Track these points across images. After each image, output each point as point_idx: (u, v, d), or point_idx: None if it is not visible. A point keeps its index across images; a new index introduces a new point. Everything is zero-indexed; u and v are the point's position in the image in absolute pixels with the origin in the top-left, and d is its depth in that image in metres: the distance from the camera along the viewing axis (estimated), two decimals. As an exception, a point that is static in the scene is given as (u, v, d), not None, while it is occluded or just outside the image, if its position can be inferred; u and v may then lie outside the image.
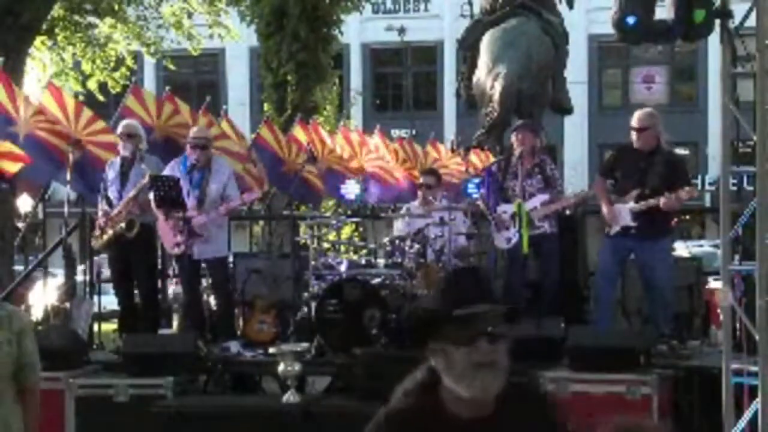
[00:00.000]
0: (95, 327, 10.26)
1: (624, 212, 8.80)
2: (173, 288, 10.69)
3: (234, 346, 9.19)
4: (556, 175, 9.62)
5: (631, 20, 6.91)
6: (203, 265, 9.58)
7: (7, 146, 9.43)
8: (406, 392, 2.91)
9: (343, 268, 9.39)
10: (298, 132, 13.46)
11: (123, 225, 9.33)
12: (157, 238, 9.76)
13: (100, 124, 10.39)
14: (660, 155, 8.84)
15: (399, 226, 10.10)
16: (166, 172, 9.41)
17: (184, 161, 9.45)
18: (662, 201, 8.60)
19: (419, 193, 10.56)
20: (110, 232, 9.45)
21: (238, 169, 11.15)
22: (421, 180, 10.76)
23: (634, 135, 8.81)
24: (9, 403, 4.59)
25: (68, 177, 9.76)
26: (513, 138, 9.63)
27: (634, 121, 8.84)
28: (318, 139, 13.54)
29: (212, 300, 9.86)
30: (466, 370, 2.71)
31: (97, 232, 9.62)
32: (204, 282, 9.94)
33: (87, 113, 10.37)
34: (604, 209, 8.89)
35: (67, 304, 9.83)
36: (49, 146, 9.87)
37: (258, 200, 12.21)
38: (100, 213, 9.64)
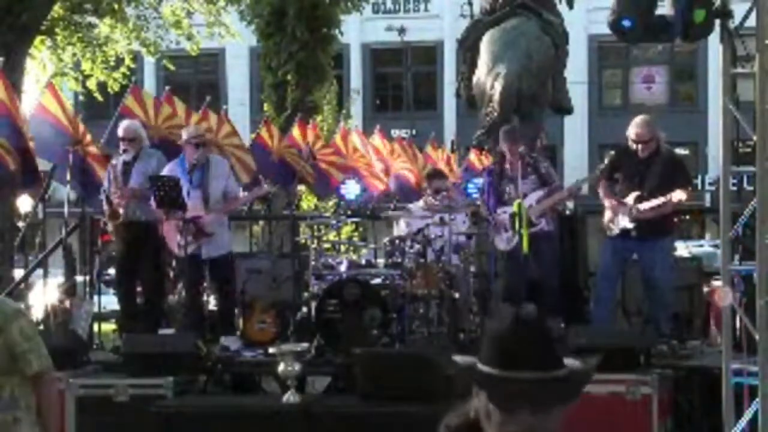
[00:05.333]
0: (95, 327, 10.26)
1: (623, 209, 8.81)
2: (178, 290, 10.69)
3: (233, 344, 9.20)
4: (551, 172, 9.60)
5: (626, 23, 6.89)
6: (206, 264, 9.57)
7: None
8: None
9: (343, 268, 9.39)
10: (297, 132, 13.47)
11: (107, 213, 9.38)
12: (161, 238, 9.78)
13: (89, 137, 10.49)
14: (659, 157, 8.84)
15: (402, 227, 10.08)
16: (164, 173, 9.41)
17: (182, 162, 9.45)
18: (647, 204, 8.61)
19: (428, 192, 10.41)
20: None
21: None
22: (426, 183, 10.66)
23: (634, 145, 8.81)
24: (9, 396, 4.52)
25: (68, 177, 9.77)
26: (501, 144, 9.64)
27: (634, 134, 8.80)
28: (314, 135, 13.62)
29: (212, 300, 9.86)
30: None
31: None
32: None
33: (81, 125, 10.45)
34: (608, 205, 8.88)
35: (67, 303, 9.84)
36: (56, 123, 9.98)
37: (259, 200, 12.23)
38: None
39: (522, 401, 2.37)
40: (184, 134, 9.62)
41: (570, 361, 2.50)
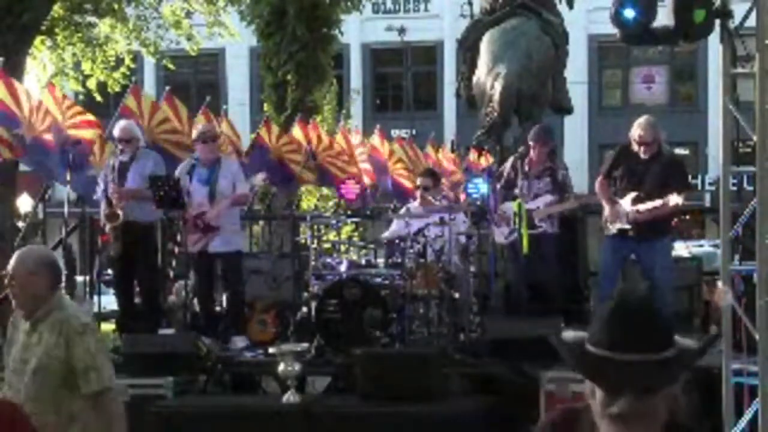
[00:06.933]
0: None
1: (620, 214, 8.81)
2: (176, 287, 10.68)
3: (240, 342, 9.21)
4: (568, 182, 9.57)
5: (629, 14, 6.85)
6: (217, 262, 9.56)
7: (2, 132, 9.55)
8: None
9: (343, 268, 9.38)
10: (297, 132, 13.47)
11: (105, 214, 9.38)
12: (157, 238, 9.77)
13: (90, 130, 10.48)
14: (660, 159, 8.82)
15: (393, 228, 10.08)
16: (178, 171, 9.40)
17: (196, 159, 9.49)
18: (644, 206, 8.60)
19: (417, 194, 10.49)
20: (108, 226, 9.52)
21: None
22: (418, 182, 10.71)
23: (637, 146, 8.79)
24: (67, 413, 4.48)
25: (68, 177, 9.77)
26: (530, 140, 9.63)
27: (637, 136, 8.75)
28: (316, 135, 13.62)
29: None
30: (603, 416, 2.35)
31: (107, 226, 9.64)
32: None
33: (78, 112, 10.43)
34: (607, 209, 8.88)
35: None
36: (52, 147, 9.96)
37: (258, 200, 12.25)
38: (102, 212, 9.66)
39: (625, 384, 2.32)
40: (194, 132, 9.73)
41: (682, 341, 2.43)
